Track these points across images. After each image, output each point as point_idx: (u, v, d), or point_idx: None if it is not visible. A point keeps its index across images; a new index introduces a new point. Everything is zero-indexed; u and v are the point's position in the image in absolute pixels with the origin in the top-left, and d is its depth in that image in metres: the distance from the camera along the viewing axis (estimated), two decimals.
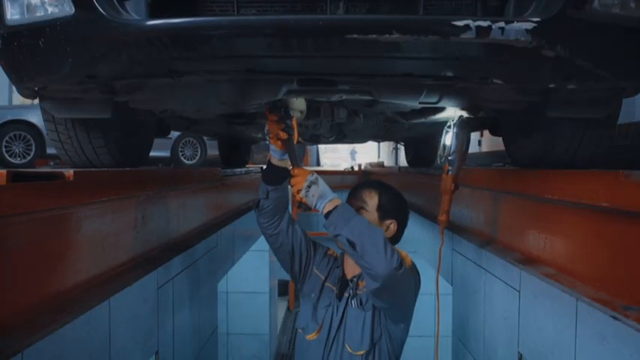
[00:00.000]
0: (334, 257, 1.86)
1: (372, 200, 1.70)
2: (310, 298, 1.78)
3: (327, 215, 1.51)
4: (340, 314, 1.69)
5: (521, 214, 2.03)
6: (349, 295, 1.71)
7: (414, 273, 1.62)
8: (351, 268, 1.75)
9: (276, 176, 1.69)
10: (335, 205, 1.52)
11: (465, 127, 1.93)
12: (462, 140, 1.92)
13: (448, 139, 1.94)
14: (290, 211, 1.80)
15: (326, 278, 1.79)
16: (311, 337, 1.72)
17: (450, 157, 1.93)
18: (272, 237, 1.75)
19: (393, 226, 1.71)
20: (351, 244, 1.44)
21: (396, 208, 1.73)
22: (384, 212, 1.70)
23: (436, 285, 1.93)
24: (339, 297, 1.72)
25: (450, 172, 1.93)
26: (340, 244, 1.51)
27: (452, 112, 2.02)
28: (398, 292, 1.56)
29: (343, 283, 1.75)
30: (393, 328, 1.67)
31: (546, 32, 1.27)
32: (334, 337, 1.68)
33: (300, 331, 1.78)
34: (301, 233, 1.80)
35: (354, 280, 1.73)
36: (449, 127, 1.95)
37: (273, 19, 1.34)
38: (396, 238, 1.75)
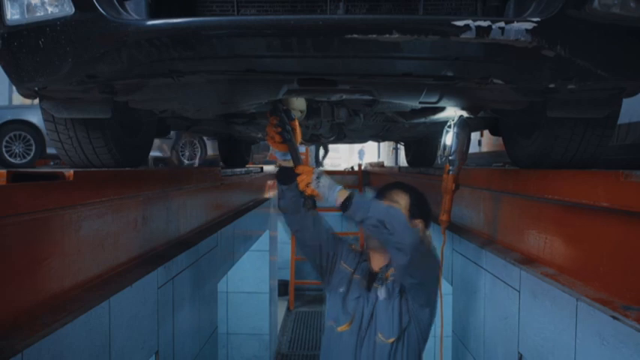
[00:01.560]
0: (359, 252, 1.94)
1: (403, 201, 1.81)
2: (338, 292, 1.84)
3: (345, 204, 1.59)
4: (371, 305, 1.76)
5: (521, 214, 2.03)
6: (377, 286, 1.78)
7: (434, 252, 1.76)
8: (378, 261, 1.85)
9: (288, 176, 1.76)
10: (347, 194, 1.61)
11: (465, 127, 1.93)
12: (463, 140, 1.92)
13: (448, 138, 1.95)
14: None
15: (354, 271, 1.86)
16: (342, 328, 1.78)
17: (450, 157, 1.94)
18: (298, 233, 1.84)
19: (421, 225, 1.81)
20: (382, 223, 1.53)
21: (423, 208, 1.85)
22: (413, 212, 1.80)
23: (439, 284, 1.93)
24: (368, 288, 1.80)
25: (450, 172, 1.94)
26: (367, 227, 1.58)
27: (452, 112, 2.03)
28: (424, 265, 1.67)
29: (371, 275, 1.83)
30: (420, 312, 1.74)
31: (546, 32, 1.27)
32: (367, 327, 1.75)
33: (331, 323, 1.83)
34: (326, 229, 1.87)
35: (382, 270, 1.81)
36: (449, 126, 1.95)
37: (273, 19, 1.34)
38: None
